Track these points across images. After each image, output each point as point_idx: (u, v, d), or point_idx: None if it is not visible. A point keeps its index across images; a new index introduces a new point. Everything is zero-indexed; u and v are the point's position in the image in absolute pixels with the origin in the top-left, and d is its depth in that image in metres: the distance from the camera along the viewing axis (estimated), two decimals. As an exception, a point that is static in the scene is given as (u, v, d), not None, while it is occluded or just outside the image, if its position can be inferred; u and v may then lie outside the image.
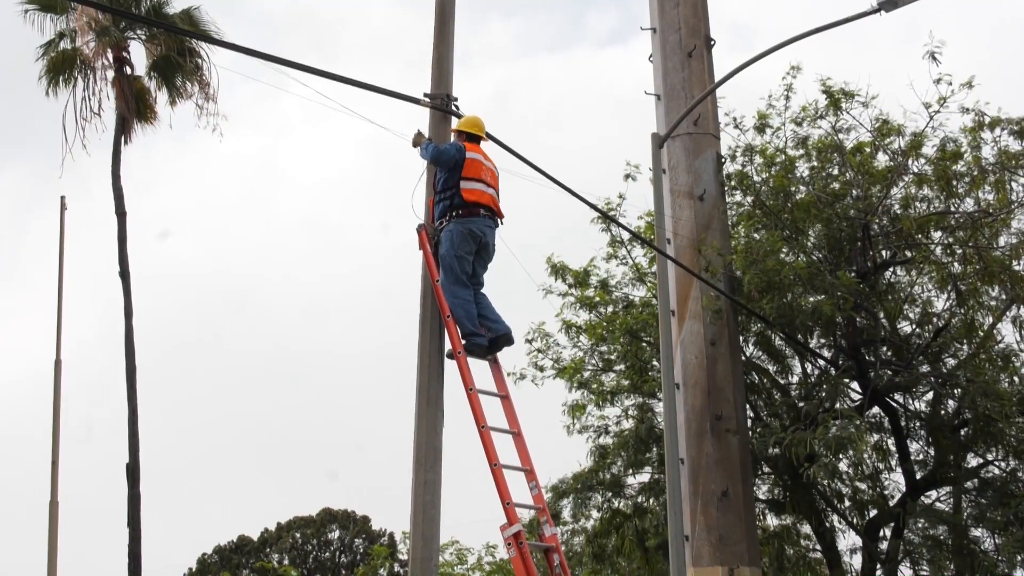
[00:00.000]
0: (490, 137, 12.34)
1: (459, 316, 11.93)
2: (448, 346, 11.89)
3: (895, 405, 16.11)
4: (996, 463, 15.88)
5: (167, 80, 28.60)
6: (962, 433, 15.73)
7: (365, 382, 78.90)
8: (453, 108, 12.28)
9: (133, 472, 26.54)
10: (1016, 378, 15.73)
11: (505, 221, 12.62)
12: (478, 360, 12.13)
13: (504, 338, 12.30)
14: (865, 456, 15.24)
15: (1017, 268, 15.29)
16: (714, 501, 14.05)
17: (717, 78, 15.33)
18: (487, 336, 12.17)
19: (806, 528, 17.04)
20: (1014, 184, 15.52)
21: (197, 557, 52.53)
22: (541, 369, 18.36)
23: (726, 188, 15.73)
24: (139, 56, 28.78)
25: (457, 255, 12.12)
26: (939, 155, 15.66)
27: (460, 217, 12.19)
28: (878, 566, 15.90)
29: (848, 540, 16.79)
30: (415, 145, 12.23)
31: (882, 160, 16.10)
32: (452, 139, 12.42)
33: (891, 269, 16.10)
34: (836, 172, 16.06)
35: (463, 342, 11.88)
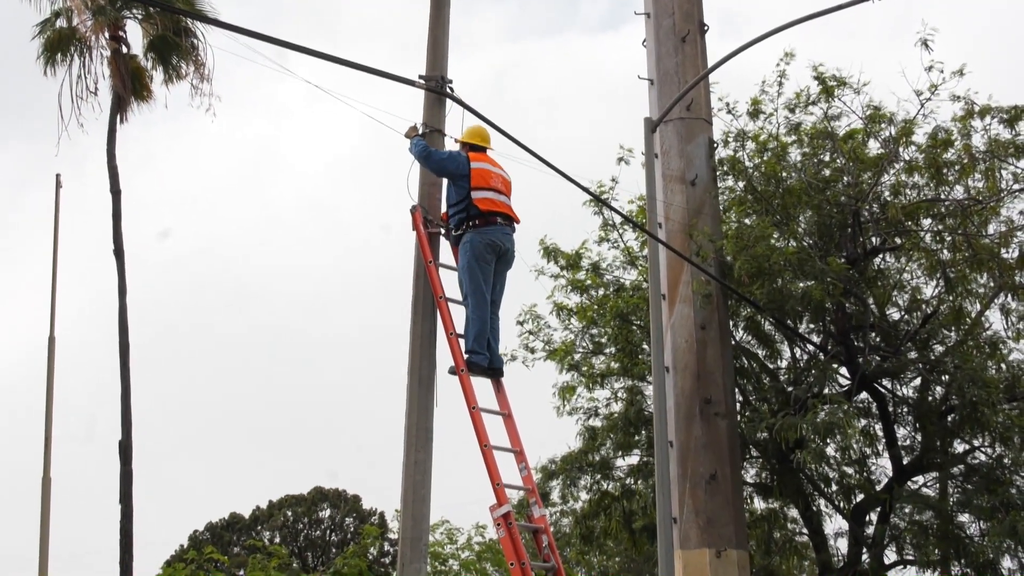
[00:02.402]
0: (485, 120, 12.27)
1: (472, 330, 11.90)
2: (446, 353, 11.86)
3: (883, 391, 16.10)
4: (982, 449, 15.88)
5: (163, 60, 28.49)
6: (949, 419, 15.72)
7: (358, 363, 78.97)
8: (448, 90, 12.22)
9: (125, 449, 26.54)
10: (1003, 365, 15.72)
11: (521, 223, 12.59)
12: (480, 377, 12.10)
13: (495, 371, 12.23)
14: (853, 441, 15.23)
15: (1005, 256, 15.29)
16: (702, 484, 14.05)
17: (710, 63, 15.28)
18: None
19: (793, 512, 17.04)
20: (1003, 172, 15.50)
21: (188, 534, 52.57)
22: (532, 351, 18.36)
23: (718, 173, 15.70)
24: (136, 36, 28.75)
25: (480, 266, 12.07)
26: (930, 143, 15.64)
27: (477, 227, 12.14)
28: (864, 550, 15.91)
29: (834, 524, 16.83)
30: (407, 137, 12.15)
31: (873, 147, 16.07)
32: (457, 149, 12.38)
33: (881, 256, 16.08)
34: (827, 159, 16.03)
35: (465, 357, 11.85)
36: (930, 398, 15.94)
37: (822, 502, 16.71)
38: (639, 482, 17.27)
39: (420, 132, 12.12)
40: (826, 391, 15.13)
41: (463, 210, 12.19)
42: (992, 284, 15.53)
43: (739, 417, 15.19)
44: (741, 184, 16.17)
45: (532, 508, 11.78)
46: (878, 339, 15.77)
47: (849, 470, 16.62)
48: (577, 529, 18.02)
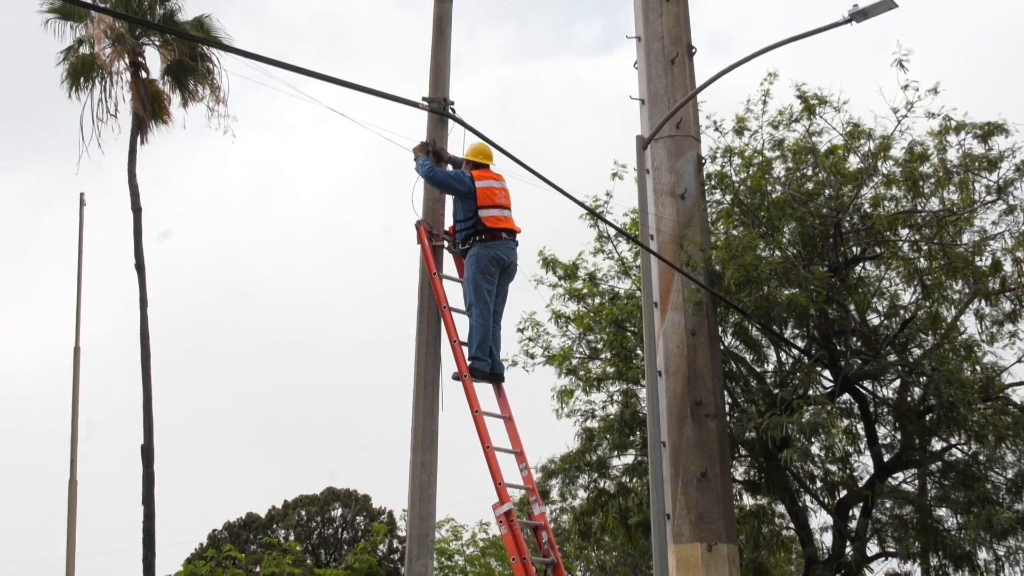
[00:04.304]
0: (486, 140, 12.33)
1: (475, 338, 11.94)
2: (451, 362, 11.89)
3: (864, 392, 16.15)
4: (959, 447, 15.92)
5: (180, 83, 28.58)
6: (927, 418, 15.76)
7: (367, 370, 78.94)
8: (450, 111, 12.29)
9: (147, 453, 26.58)
10: (978, 367, 15.77)
11: (522, 234, 12.64)
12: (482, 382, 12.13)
13: (496, 377, 12.28)
14: (836, 440, 15.27)
15: (979, 263, 15.33)
16: (694, 482, 14.08)
17: (698, 84, 15.35)
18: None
19: (780, 507, 17.08)
20: (977, 185, 15.56)
21: (208, 533, 52.55)
22: (532, 356, 18.41)
23: (706, 187, 15.75)
24: (154, 61, 28.84)
25: (484, 278, 12.12)
26: (907, 157, 15.70)
27: (484, 242, 12.19)
28: (847, 543, 15.95)
29: (820, 519, 16.87)
30: (415, 154, 12.17)
31: (853, 162, 16.13)
32: (462, 168, 12.41)
33: (861, 264, 16.14)
34: (810, 173, 16.09)
35: (468, 363, 11.90)
36: (909, 399, 15.98)
37: (808, 498, 16.75)
38: (634, 480, 17.30)
39: (429, 150, 12.18)
40: (810, 393, 15.16)
41: (471, 226, 12.23)
42: (967, 290, 15.58)
43: (728, 418, 15.22)
44: (728, 197, 16.24)
45: (532, 506, 11.81)
46: (859, 343, 15.82)
47: (833, 467, 16.67)
48: (576, 525, 18.05)
